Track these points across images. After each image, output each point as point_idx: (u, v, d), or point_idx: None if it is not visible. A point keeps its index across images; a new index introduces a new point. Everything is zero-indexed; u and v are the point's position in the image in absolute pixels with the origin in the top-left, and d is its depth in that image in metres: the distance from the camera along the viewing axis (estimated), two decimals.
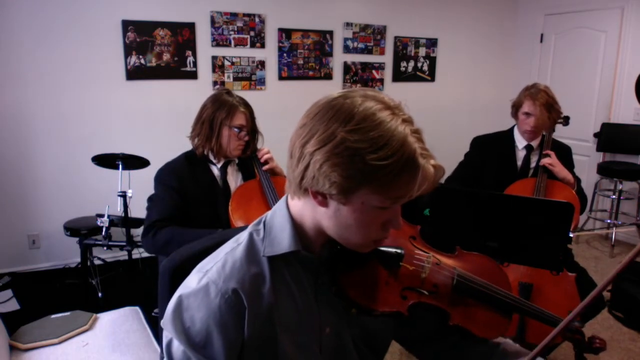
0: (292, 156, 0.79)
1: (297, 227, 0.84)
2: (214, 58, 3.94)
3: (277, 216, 0.86)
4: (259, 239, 0.85)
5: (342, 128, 0.72)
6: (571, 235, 1.76)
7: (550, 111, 2.30)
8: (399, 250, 0.91)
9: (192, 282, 0.80)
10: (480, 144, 2.52)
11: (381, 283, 0.88)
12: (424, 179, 0.74)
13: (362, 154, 0.71)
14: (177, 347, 0.79)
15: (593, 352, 1.14)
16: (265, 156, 2.01)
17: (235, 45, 4.01)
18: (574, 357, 1.18)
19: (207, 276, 0.79)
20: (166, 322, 0.79)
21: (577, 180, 2.32)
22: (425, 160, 0.74)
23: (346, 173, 0.72)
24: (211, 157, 1.97)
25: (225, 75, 4.01)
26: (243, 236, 0.86)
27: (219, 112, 1.89)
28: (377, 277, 0.89)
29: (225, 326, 0.77)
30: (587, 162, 4.53)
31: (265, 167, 2.00)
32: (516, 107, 2.39)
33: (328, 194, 0.75)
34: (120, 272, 3.53)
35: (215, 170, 1.97)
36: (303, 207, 0.83)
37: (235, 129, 1.90)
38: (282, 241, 0.83)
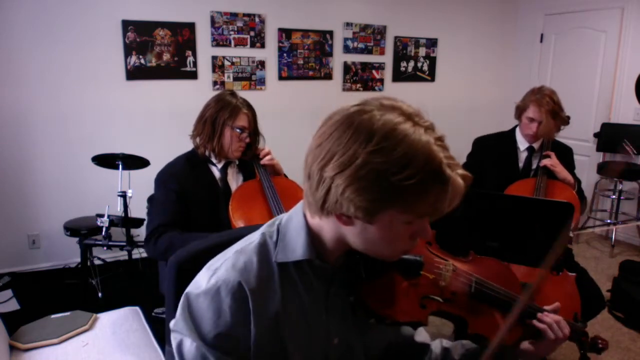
0: (309, 178, 0.75)
1: (313, 236, 0.81)
2: (214, 58, 3.94)
3: (292, 222, 0.83)
4: (271, 242, 0.83)
5: (363, 149, 0.68)
6: (571, 235, 1.75)
7: (555, 118, 2.27)
8: (418, 258, 0.89)
9: (201, 281, 0.79)
10: (482, 144, 2.51)
11: (401, 292, 0.87)
12: (454, 191, 0.71)
13: (387, 175, 0.67)
14: (190, 346, 0.76)
15: (596, 352, 1.16)
16: (267, 157, 2.00)
17: (235, 45, 4.01)
18: (578, 358, 1.19)
19: (217, 275, 0.78)
20: (177, 321, 0.78)
21: (577, 181, 2.31)
22: (453, 171, 0.70)
23: (371, 197, 0.69)
24: (212, 158, 1.97)
25: (225, 75, 4.01)
26: (255, 236, 0.84)
27: (222, 112, 1.89)
28: (397, 287, 0.87)
29: (236, 323, 0.76)
30: (587, 162, 4.53)
31: (265, 162, 1.99)
32: (520, 111, 2.36)
33: (353, 216, 0.73)
34: (120, 272, 3.52)
35: (216, 171, 1.97)
36: (325, 223, 0.80)
37: (237, 130, 1.90)
38: (296, 248, 0.80)
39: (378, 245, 0.77)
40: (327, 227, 0.80)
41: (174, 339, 0.79)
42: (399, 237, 0.76)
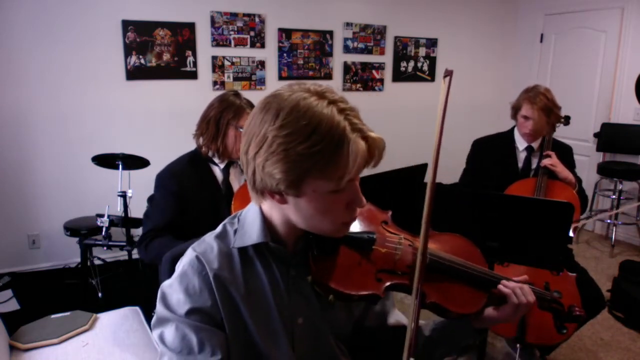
0: (242, 164, 0.83)
1: (267, 222, 0.89)
2: (214, 58, 3.94)
3: (250, 212, 0.91)
4: (232, 230, 0.91)
5: (272, 126, 0.75)
6: (571, 235, 1.75)
7: (548, 115, 2.28)
8: (370, 235, 0.94)
9: (174, 274, 0.88)
10: (481, 146, 2.51)
11: (355, 268, 0.91)
12: (356, 153, 0.75)
13: (294, 145, 0.74)
14: (169, 332, 0.82)
15: (574, 321, 1.16)
16: None
17: (235, 45, 4.01)
18: (552, 326, 1.18)
19: (182, 263, 0.88)
20: (156, 315, 0.85)
21: (578, 180, 2.31)
22: (356, 134, 0.75)
23: (285, 167, 0.75)
24: (215, 158, 1.96)
25: (225, 75, 4.01)
26: (218, 228, 0.93)
27: (226, 112, 1.88)
28: (351, 263, 0.92)
29: (205, 299, 0.83)
30: (587, 162, 4.53)
31: None
32: (515, 110, 2.39)
33: (280, 191, 0.79)
34: (120, 272, 3.52)
35: (218, 172, 1.97)
36: (271, 207, 0.88)
37: (241, 130, 1.89)
38: (252, 234, 0.87)
39: (316, 219, 0.82)
40: (274, 211, 0.87)
41: (157, 335, 0.84)
42: (332, 208, 0.81)
